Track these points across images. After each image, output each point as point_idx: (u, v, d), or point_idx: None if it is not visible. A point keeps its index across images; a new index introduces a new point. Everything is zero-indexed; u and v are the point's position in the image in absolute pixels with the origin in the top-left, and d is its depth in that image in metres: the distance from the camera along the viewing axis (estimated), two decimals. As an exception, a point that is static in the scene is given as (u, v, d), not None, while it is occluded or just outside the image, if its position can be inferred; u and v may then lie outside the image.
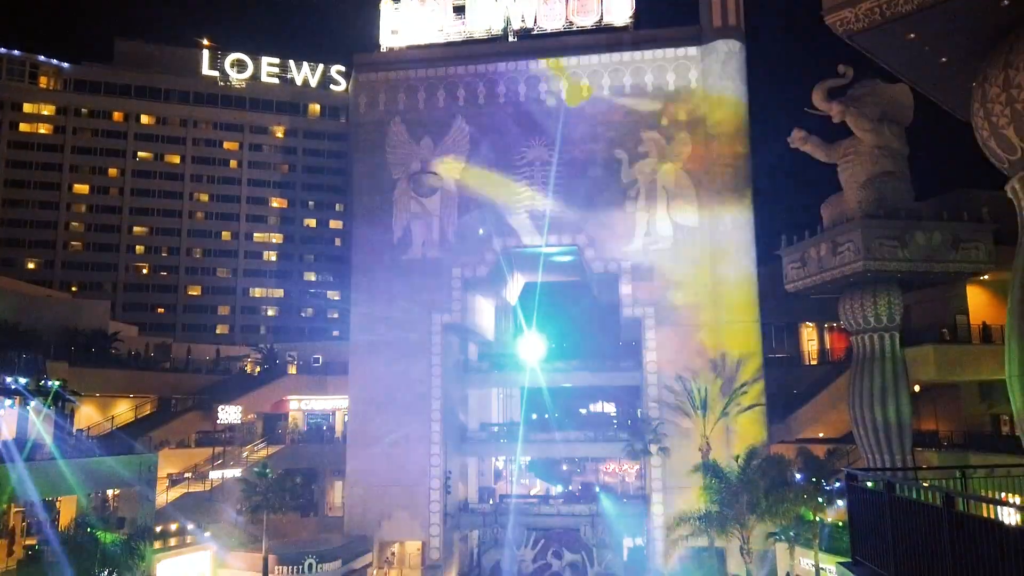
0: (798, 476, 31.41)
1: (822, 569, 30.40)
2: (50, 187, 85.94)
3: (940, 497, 6.26)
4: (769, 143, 40.09)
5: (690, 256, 43.25)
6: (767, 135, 41.53)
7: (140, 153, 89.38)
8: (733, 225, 43.13)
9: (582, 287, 54.98)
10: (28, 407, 31.61)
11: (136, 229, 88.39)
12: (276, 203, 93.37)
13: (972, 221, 30.80)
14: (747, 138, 44.21)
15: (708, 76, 44.42)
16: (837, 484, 31.61)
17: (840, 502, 31.77)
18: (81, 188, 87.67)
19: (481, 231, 45.36)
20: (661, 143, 44.50)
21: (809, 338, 50.53)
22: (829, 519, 32.51)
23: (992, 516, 6.19)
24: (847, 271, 30.64)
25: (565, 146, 45.31)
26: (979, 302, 37.38)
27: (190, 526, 38.50)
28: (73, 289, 78.57)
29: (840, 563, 9.27)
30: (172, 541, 37.28)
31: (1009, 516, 6.31)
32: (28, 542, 33.31)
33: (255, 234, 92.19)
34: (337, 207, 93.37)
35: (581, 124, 45.42)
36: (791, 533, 31.43)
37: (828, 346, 49.86)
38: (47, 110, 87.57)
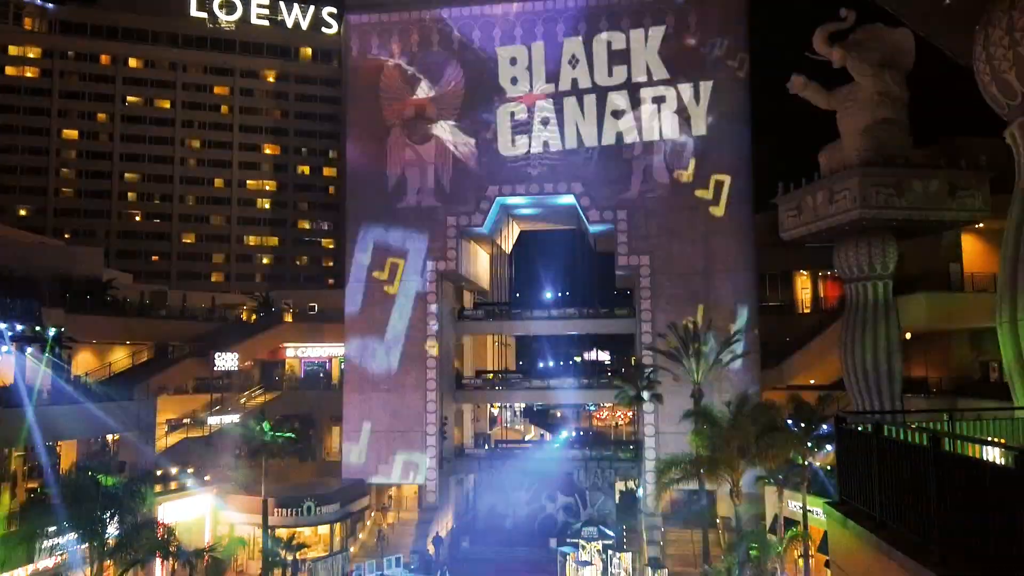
0: (788, 421, 31.86)
1: (809, 511, 31.10)
2: (39, 132, 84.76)
3: (926, 438, 6.38)
4: (769, 92, 39.57)
5: (686, 204, 43.11)
6: (767, 84, 40.89)
7: (129, 98, 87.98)
8: (730, 172, 42.89)
9: (578, 235, 54.91)
10: (25, 353, 31.73)
11: (127, 176, 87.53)
12: (269, 150, 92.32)
13: (969, 169, 30.66)
14: (746, 84, 43.61)
15: (707, 24, 43.58)
16: (825, 427, 32.16)
17: (829, 447, 32.36)
18: (70, 134, 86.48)
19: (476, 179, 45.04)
20: (659, 90, 43.92)
21: (803, 287, 50.75)
22: (817, 463, 33.14)
23: (976, 456, 6.32)
24: (843, 219, 30.59)
25: (564, 92, 44.70)
26: (973, 250, 37.47)
27: (190, 470, 39.13)
28: (66, 236, 78.13)
29: (827, 502, 9.48)
30: (172, 485, 37.93)
31: (992, 455, 6.44)
32: (30, 485, 33.83)
33: (248, 181, 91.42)
34: (330, 154, 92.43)
35: (579, 68, 44.72)
36: (780, 476, 32.03)
37: (822, 294, 50.12)
38: (33, 53, 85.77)
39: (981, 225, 34.89)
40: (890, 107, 30.69)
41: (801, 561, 30.89)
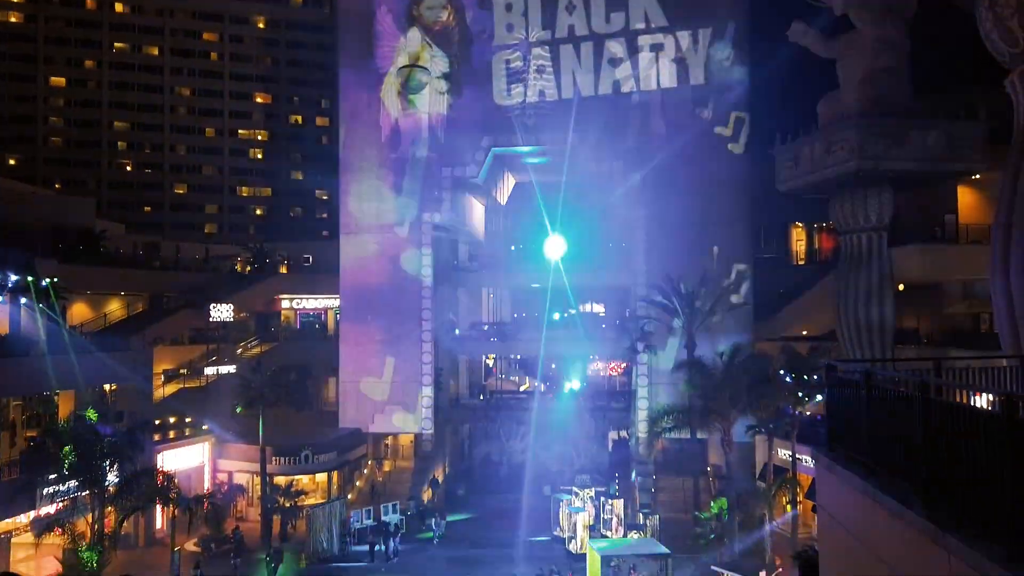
0: (780, 372, 32.24)
1: (798, 459, 31.70)
2: (26, 79, 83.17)
3: (915, 384, 6.46)
4: (769, 40, 38.90)
5: (683, 155, 42.77)
6: (767, 33, 40.15)
7: (116, 44, 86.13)
8: (727, 122, 42.48)
9: (575, 185, 54.50)
10: (20, 303, 31.70)
11: (117, 124, 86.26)
12: (260, 99, 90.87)
13: (968, 119, 30.40)
14: (746, 31, 42.91)
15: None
16: (815, 378, 32.58)
17: (819, 396, 32.82)
18: (58, 81, 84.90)
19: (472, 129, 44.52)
20: (658, 38, 43.19)
21: (798, 238, 50.81)
22: (808, 412, 33.66)
23: (964, 402, 6.41)
24: (840, 171, 30.41)
25: (560, 40, 43.92)
26: (969, 202, 37.44)
27: (188, 420, 39.54)
28: (56, 187, 77.39)
29: (816, 450, 9.64)
30: (171, 434, 38.37)
31: (979, 403, 6.52)
32: (29, 434, 34.17)
33: (240, 131, 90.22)
34: (323, 103, 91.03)
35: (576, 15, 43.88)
36: (770, 426, 32.54)
37: (816, 246, 50.21)
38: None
39: (978, 176, 34.78)
40: (891, 55, 30.24)
41: (789, 507, 31.61)
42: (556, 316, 50.60)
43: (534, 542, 35.01)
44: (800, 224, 50.27)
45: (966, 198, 37.51)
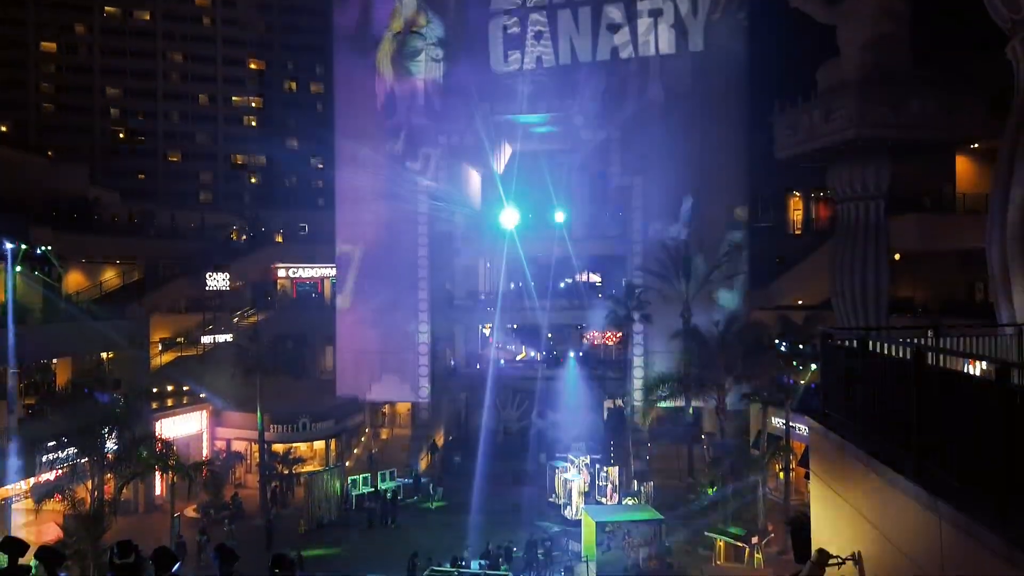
0: (775, 341, 32.39)
1: (792, 427, 31.98)
2: (16, 45, 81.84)
3: (910, 351, 6.48)
4: (769, 5, 38.38)
5: (681, 123, 42.46)
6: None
7: (107, 8, 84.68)
8: (726, 91, 42.15)
9: (572, 154, 54.19)
10: (16, 271, 31.60)
11: (109, 90, 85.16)
12: (254, 65, 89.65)
13: (968, 87, 30.17)
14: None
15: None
16: (809, 351, 32.75)
17: (813, 365, 33.01)
18: (48, 46, 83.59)
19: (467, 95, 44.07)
20: (657, 3, 42.58)
21: (795, 207, 50.69)
22: (802, 381, 33.88)
23: (958, 369, 6.45)
24: (838, 138, 30.24)
25: (558, 4, 43.29)
26: (966, 171, 37.33)
27: (185, 388, 39.68)
28: (49, 153, 76.61)
29: (810, 417, 9.72)
30: (169, 402, 38.54)
31: (973, 368, 6.56)
32: (27, 402, 34.29)
33: (233, 97, 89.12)
34: (317, 69, 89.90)
35: (572, -19, 43.25)
36: (765, 394, 32.77)
37: (813, 215, 50.12)
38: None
39: (976, 145, 34.64)
40: (892, 22, 29.91)
41: (782, 474, 31.96)
42: (552, 285, 50.67)
43: (530, 509, 35.41)
44: (797, 193, 50.14)
45: (964, 167, 37.39)
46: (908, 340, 7.57)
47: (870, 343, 7.76)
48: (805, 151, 32.70)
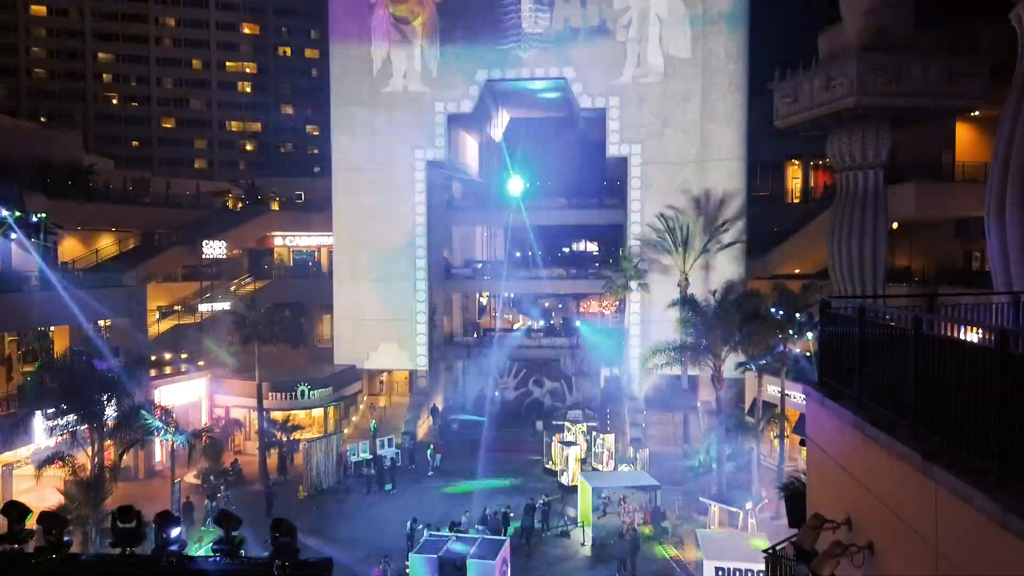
0: (772, 310, 32.47)
1: (787, 395, 32.22)
2: (5, 7, 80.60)
3: (909, 319, 6.50)
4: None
5: (680, 91, 42.09)
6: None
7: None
8: (726, 58, 41.69)
9: (569, 123, 53.83)
10: (11, 238, 31.43)
11: (101, 55, 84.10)
12: (248, 29, 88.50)
13: (970, 54, 29.89)
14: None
15: None
16: (806, 320, 32.86)
17: (809, 334, 33.17)
18: (39, 10, 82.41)
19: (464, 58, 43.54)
20: (655, -34, 41.93)
21: (794, 176, 50.49)
22: (797, 350, 34.06)
23: (956, 337, 6.46)
24: (838, 107, 30.06)
25: (554, -31, 42.63)
26: (966, 139, 37.13)
27: (184, 356, 39.76)
28: (42, 120, 75.87)
29: (807, 384, 9.77)
30: (167, 369, 38.65)
31: (970, 335, 6.58)
32: (26, 369, 34.37)
33: (227, 63, 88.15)
34: (312, 34, 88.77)
35: (571, -56, 42.51)
36: (761, 362, 32.93)
37: (812, 184, 49.96)
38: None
39: (976, 113, 34.42)
40: (895, -13, 29.54)
41: (777, 441, 32.28)
42: (550, 254, 50.68)
43: (527, 475, 35.80)
44: (796, 161, 49.90)
45: (964, 135, 37.18)
46: (907, 308, 7.59)
47: (869, 311, 7.78)
48: (805, 119, 32.52)
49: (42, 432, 25.29)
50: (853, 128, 31.16)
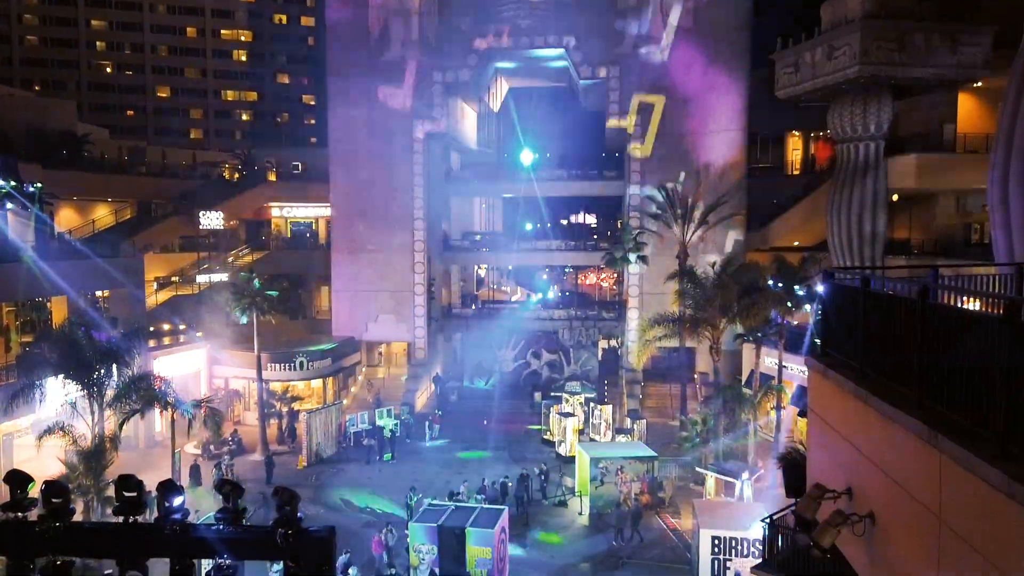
0: (771, 282, 32.47)
1: (784, 367, 32.34)
2: (-6, -26, 79.35)
3: (916, 289, 6.46)
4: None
5: (681, 60, 41.65)
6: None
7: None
8: (728, 28, 41.22)
9: (568, 94, 53.34)
10: (6, 208, 31.21)
11: (94, 22, 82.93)
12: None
13: (974, 23, 29.54)
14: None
15: None
16: (804, 292, 32.87)
17: (807, 306, 33.20)
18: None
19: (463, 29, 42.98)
20: (657, -67, 41.26)
21: (794, 147, 50.18)
22: (795, 322, 34.12)
23: (962, 306, 6.44)
24: (840, 77, 29.76)
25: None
26: (969, 110, 36.84)
27: (182, 327, 39.74)
28: (36, 88, 75.02)
29: (807, 356, 9.76)
30: (166, 340, 38.65)
31: (973, 305, 6.55)
32: (24, 339, 34.34)
33: (222, 31, 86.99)
34: (308, 0, 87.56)
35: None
36: (759, 334, 33.00)
37: (812, 156, 49.68)
38: None
39: (980, 84, 34.13)
40: (900, -46, 29.09)
41: (773, 413, 32.46)
42: (548, 226, 50.53)
43: (525, 446, 36.03)
44: (797, 133, 49.55)
45: (967, 106, 36.89)
46: (911, 279, 7.55)
47: (873, 282, 7.74)
48: (807, 90, 32.23)
49: (42, 402, 25.32)
50: (855, 99, 30.89)
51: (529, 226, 51.17)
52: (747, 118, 41.92)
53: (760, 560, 17.96)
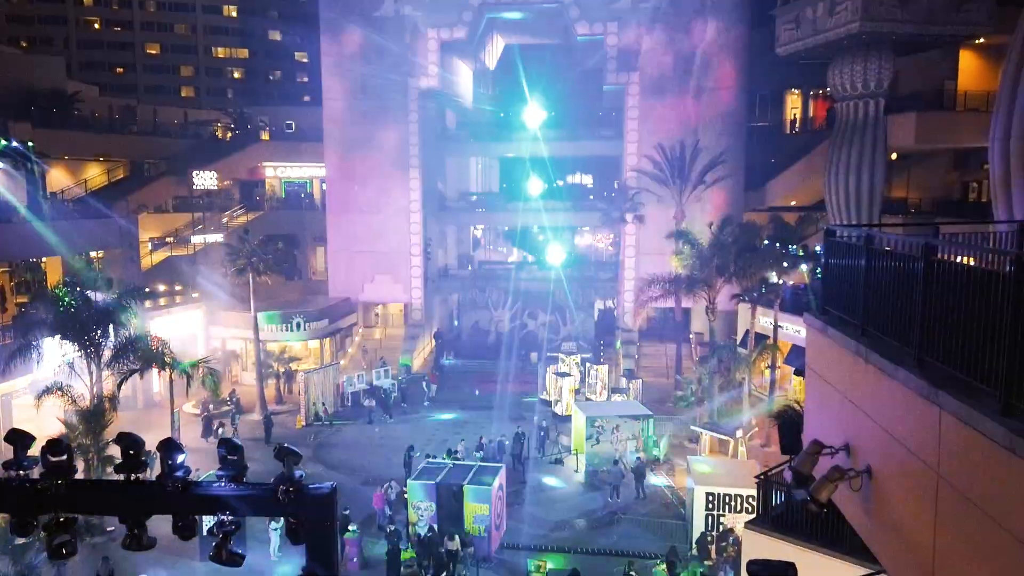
0: (768, 241, 32.43)
1: (779, 327, 32.47)
2: (-24, -73, 77.23)
3: (920, 247, 6.42)
4: None
5: (680, 18, 40.98)
6: None
7: None
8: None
9: (565, 51, 52.53)
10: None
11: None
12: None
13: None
14: None
15: None
16: (801, 250, 32.87)
17: (804, 266, 33.24)
18: (11, -73, 78.93)
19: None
20: None
21: (793, 106, 49.70)
22: (791, 282, 34.18)
23: (964, 263, 6.40)
24: (842, 32, 29.33)
25: None
26: (970, 67, 36.43)
27: (178, 288, 39.64)
28: (23, 44, 73.63)
29: (806, 315, 9.76)
30: (162, 301, 38.56)
31: (973, 263, 6.49)
32: (19, 300, 34.24)
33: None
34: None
35: None
36: (755, 294, 33.06)
37: (811, 114, 49.22)
38: None
39: (982, 40, 33.69)
40: (905, -94, 28.44)
41: (768, 372, 32.69)
42: (545, 186, 50.20)
43: (521, 405, 36.29)
44: (796, 91, 49.03)
45: (968, 63, 36.47)
46: (914, 235, 7.49)
47: (875, 239, 7.70)
48: (807, 46, 31.79)
49: (39, 363, 25.34)
50: (855, 56, 30.52)
51: (526, 186, 50.79)
52: (746, 77, 41.42)
53: (754, 516, 18.26)
